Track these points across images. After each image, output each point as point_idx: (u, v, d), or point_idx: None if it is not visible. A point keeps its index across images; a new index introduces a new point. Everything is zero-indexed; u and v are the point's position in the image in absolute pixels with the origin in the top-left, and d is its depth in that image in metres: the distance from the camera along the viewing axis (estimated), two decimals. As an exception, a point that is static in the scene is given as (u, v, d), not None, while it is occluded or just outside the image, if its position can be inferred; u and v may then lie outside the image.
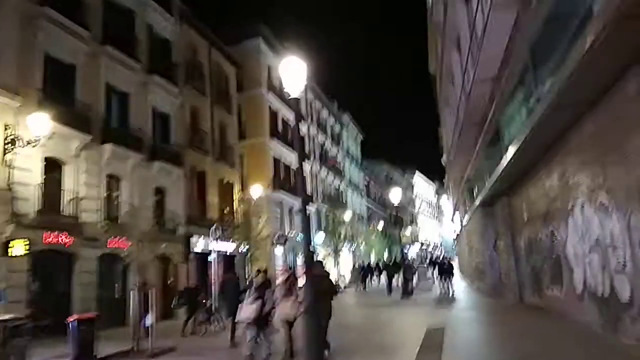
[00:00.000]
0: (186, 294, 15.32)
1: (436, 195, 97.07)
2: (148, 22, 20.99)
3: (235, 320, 11.09)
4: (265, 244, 26.85)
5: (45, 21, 15.32)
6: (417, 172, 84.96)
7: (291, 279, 8.80)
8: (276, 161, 32.36)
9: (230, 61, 28.61)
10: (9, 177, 13.37)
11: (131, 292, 11.97)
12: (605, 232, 7.91)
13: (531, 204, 13.52)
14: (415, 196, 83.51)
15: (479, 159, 17.82)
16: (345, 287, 31.91)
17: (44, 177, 14.72)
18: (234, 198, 26.33)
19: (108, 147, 17.19)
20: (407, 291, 21.32)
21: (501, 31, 10.63)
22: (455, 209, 34.46)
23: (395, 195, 24.93)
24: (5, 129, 13.34)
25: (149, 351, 10.83)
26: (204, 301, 14.94)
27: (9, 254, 12.79)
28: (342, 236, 36.94)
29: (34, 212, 14.08)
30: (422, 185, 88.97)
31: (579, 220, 9.40)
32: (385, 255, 55.69)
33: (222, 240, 22.95)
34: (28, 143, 13.11)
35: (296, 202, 35.05)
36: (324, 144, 44.73)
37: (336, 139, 49.77)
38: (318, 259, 13.78)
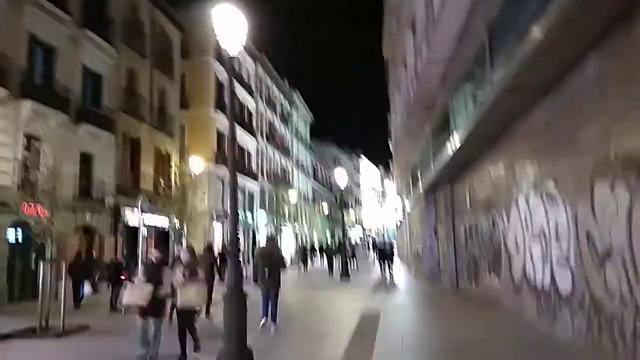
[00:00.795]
0: (107, 269, 14.18)
1: (382, 181, 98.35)
2: (82, -29, 19.03)
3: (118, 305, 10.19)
4: (204, 220, 25.71)
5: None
6: (364, 156, 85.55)
7: (207, 258, 7.90)
8: (221, 135, 31.04)
9: (175, 24, 26.82)
10: None
11: (41, 264, 10.68)
12: (550, 223, 7.63)
13: (475, 191, 13.33)
14: (362, 181, 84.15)
15: (426, 144, 17.57)
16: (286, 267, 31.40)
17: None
18: (172, 170, 24.90)
19: (27, 104, 15.46)
20: (346, 273, 21.02)
21: (458, 9, 10.14)
22: (399, 194, 34.60)
23: (340, 175, 24.46)
24: None
25: (57, 329, 9.73)
26: (124, 278, 13.82)
27: None
28: (285, 216, 36.28)
29: None
30: (368, 170, 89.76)
31: (523, 209, 9.15)
32: (329, 237, 55.71)
33: (153, 213, 21.67)
34: None
35: (240, 179, 33.98)
36: (272, 122, 43.59)
37: (285, 118, 48.71)
38: (270, 235, 13.18)
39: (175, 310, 7.75)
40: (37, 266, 14.93)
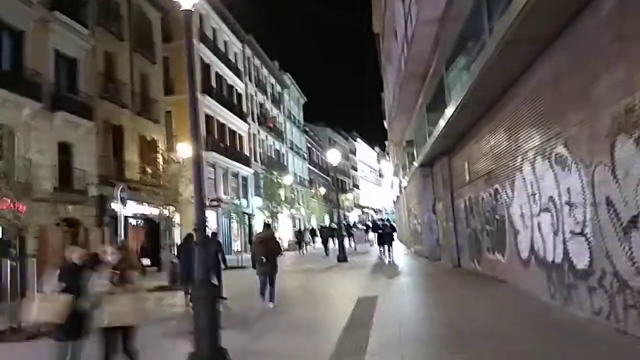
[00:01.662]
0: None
1: (378, 162, 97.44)
2: (48, -52, 17.81)
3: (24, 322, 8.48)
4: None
5: None
6: (359, 138, 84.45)
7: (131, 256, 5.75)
8: (209, 119, 30.06)
9: (155, 5, 25.56)
10: None
11: (8, 262, 9.85)
12: (561, 190, 6.79)
13: (474, 163, 12.49)
14: (358, 162, 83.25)
15: (420, 117, 16.66)
16: (283, 252, 30.72)
17: None
18: (158, 157, 23.94)
19: (-7, 92, 14.48)
20: (343, 255, 20.28)
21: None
22: (395, 173, 33.78)
23: (333, 156, 23.60)
24: None
25: (31, 331, 8.95)
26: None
27: None
28: (281, 200, 35.41)
29: None
30: (364, 151, 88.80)
31: (528, 177, 8.32)
32: (327, 220, 55.04)
33: (141, 202, 20.84)
34: None
35: (233, 164, 33.07)
36: (263, 104, 42.49)
37: (277, 100, 47.57)
38: (266, 222, 13.19)
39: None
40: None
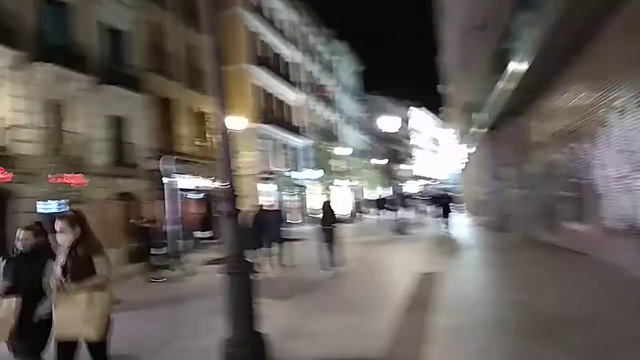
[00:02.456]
0: (140, 234, 13.22)
1: (435, 130, 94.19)
2: None
3: None
4: (248, 181, 24.61)
5: None
6: (417, 106, 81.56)
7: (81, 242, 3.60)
8: (258, 90, 29.44)
9: (200, -27, 24.91)
10: None
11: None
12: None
13: (548, 121, 11.02)
14: (414, 131, 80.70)
15: (483, 75, 15.10)
16: (340, 222, 30.20)
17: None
18: (209, 129, 23.69)
19: (42, 67, 14.41)
20: (401, 227, 19.27)
21: None
22: (456, 140, 31.98)
23: (389, 124, 22.39)
24: None
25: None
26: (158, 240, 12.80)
27: None
28: (334, 172, 34.65)
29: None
30: (422, 119, 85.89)
31: (617, 133, 6.95)
32: (382, 191, 53.82)
33: (193, 175, 20.78)
34: None
35: (284, 136, 32.52)
36: (314, 73, 41.38)
37: (329, 69, 46.25)
38: (325, 194, 12.91)
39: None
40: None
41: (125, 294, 9.91)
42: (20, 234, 4.02)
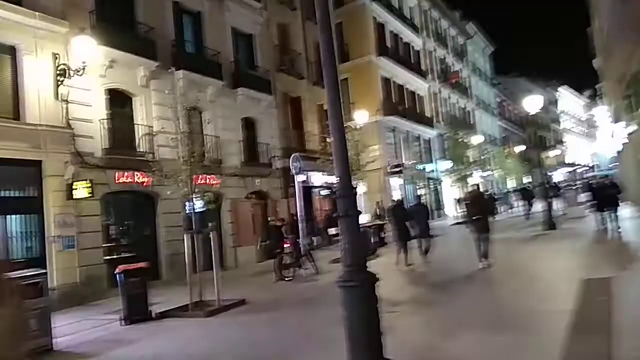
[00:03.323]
0: (271, 232, 13.35)
1: (588, 110, 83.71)
2: None
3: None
4: (379, 175, 23.98)
5: None
6: (562, 85, 73.31)
7: None
8: (386, 81, 28.61)
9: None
10: (66, 113, 12.08)
11: (185, 236, 9.95)
12: None
13: None
14: (561, 113, 72.68)
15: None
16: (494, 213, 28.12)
17: (109, 111, 13.35)
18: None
19: (180, 75, 15.32)
20: (550, 222, 16.95)
21: None
22: (616, 119, 27.57)
23: (531, 105, 19.94)
24: (55, 58, 11.90)
25: (210, 306, 8.94)
26: (289, 238, 12.74)
27: (73, 197, 11.70)
28: (469, 162, 32.25)
29: (100, 150, 12.85)
30: (569, 100, 77.06)
31: None
32: (525, 180, 49.19)
33: (322, 172, 20.71)
34: (76, 72, 11.59)
35: (414, 127, 31.22)
36: (444, 59, 39.19)
37: (460, 53, 43.52)
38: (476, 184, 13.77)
39: None
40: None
41: (255, 294, 10.00)
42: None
